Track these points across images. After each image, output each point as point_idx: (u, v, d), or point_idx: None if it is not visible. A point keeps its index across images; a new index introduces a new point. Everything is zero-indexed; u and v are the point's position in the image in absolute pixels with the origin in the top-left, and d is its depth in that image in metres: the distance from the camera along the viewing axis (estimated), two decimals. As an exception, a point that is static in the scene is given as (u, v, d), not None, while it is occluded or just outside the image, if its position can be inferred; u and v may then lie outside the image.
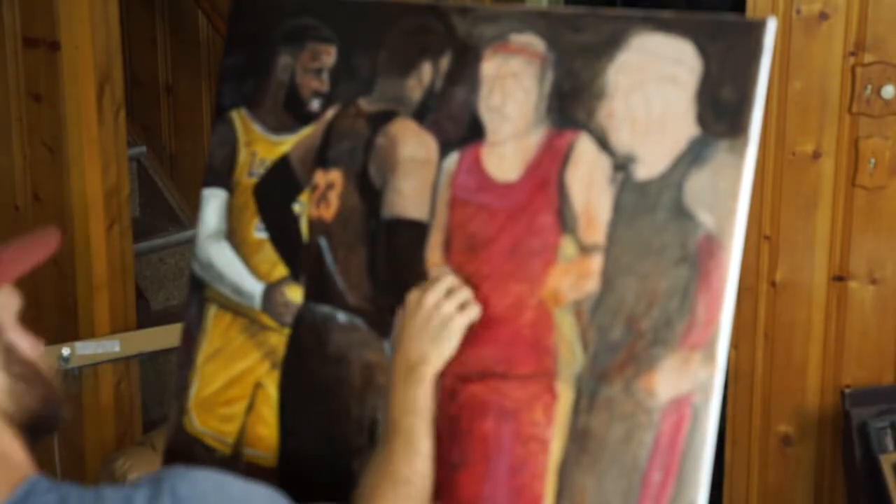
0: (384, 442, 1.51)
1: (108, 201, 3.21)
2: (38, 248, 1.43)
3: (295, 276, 1.70)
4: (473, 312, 1.52)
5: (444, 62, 1.60)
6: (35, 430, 1.36)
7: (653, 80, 1.46)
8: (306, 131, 1.72)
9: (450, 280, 1.53)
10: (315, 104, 1.72)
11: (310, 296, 1.69)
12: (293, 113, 1.74)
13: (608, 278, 1.46)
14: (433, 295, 1.52)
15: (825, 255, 2.93)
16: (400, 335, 1.54)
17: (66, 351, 3.14)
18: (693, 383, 1.40)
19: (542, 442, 1.48)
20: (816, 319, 2.97)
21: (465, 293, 1.52)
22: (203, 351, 1.78)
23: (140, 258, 3.96)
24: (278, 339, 1.71)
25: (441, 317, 1.51)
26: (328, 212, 1.68)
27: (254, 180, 1.76)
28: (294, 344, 1.69)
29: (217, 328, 1.77)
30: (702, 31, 1.44)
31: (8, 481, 1.27)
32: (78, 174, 3.16)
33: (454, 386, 1.53)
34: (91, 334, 3.22)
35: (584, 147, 1.49)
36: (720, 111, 1.42)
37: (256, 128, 1.77)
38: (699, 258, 1.41)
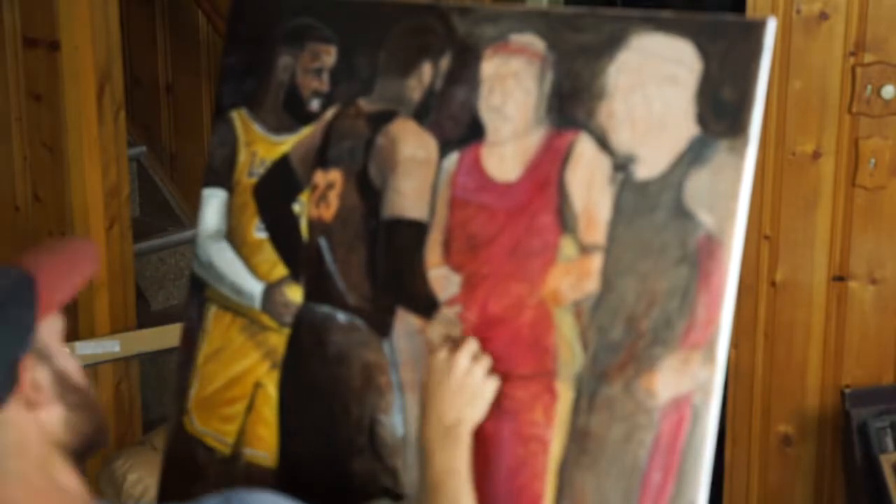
0: None
1: (108, 201, 3.21)
2: (77, 269, 1.39)
3: (295, 276, 1.70)
4: (496, 382, 1.50)
5: (444, 62, 1.60)
6: (85, 454, 1.34)
7: (653, 80, 1.46)
8: (306, 131, 1.72)
9: (473, 344, 1.52)
10: (315, 104, 1.72)
11: (310, 296, 1.69)
12: (293, 113, 1.73)
13: (608, 278, 1.46)
14: (463, 360, 1.50)
15: (825, 255, 2.93)
16: (430, 397, 1.51)
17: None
18: (693, 383, 1.40)
19: (542, 442, 1.48)
20: (816, 319, 2.97)
21: (487, 359, 1.51)
22: (203, 351, 1.77)
23: (140, 258, 3.96)
24: (278, 339, 1.70)
25: (473, 383, 1.49)
26: (328, 212, 1.68)
27: (254, 180, 1.76)
28: (294, 344, 1.69)
29: (217, 328, 1.77)
30: (702, 31, 1.44)
31: None
32: (78, 174, 3.16)
33: (454, 386, 1.53)
34: (91, 334, 3.22)
35: (584, 147, 1.49)
36: (720, 111, 1.42)
37: (256, 128, 1.77)
38: (699, 258, 1.41)
